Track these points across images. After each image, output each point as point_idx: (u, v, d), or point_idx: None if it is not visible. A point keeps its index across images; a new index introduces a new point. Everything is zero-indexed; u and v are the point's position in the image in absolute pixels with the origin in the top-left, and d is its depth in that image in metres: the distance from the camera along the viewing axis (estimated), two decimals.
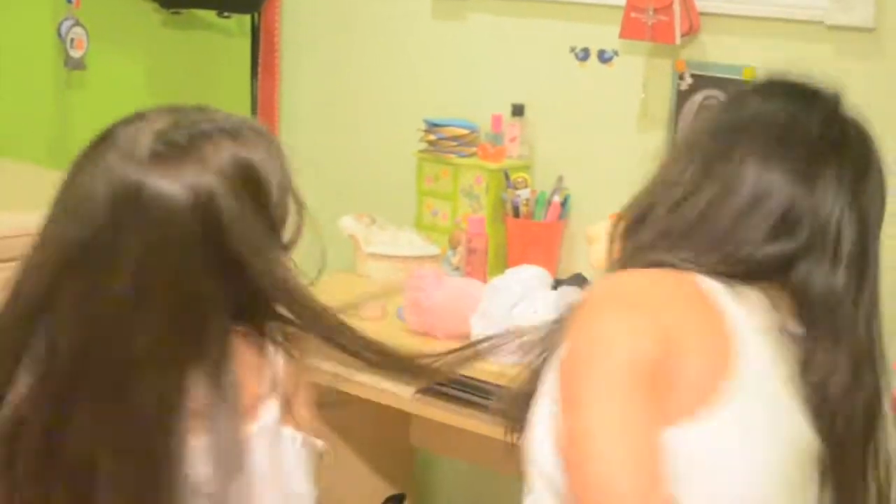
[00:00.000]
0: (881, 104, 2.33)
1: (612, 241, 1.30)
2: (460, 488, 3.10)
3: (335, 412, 2.85)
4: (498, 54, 2.95)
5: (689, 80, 2.60)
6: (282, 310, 1.19)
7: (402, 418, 2.97)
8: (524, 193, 2.77)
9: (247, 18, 3.33)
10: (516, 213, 2.77)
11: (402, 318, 2.44)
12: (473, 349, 1.37)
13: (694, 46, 2.59)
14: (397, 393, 2.43)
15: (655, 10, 2.52)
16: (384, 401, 2.48)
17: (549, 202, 2.76)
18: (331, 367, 2.49)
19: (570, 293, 2.23)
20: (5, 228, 2.08)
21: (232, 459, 1.12)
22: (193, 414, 1.12)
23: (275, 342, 1.22)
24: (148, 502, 1.10)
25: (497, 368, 2.23)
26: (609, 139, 2.76)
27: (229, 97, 3.42)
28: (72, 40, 2.95)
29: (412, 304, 2.40)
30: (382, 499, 3.01)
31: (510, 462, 1.38)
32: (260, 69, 3.35)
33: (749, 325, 1.20)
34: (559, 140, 2.84)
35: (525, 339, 1.35)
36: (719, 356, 1.16)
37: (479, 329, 2.30)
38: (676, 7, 2.50)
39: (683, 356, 1.14)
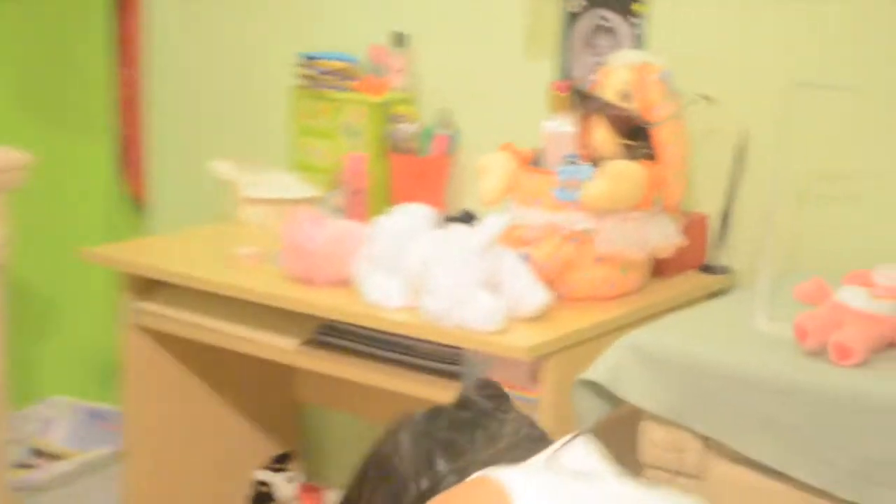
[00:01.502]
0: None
1: None
2: (350, 444, 3.09)
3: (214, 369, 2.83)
4: None
5: (581, 1, 2.58)
6: None
7: (286, 372, 2.95)
8: (408, 128, 2.75)
9: None
10: (400, 150, 2.75)
11: (282, 264, 2.41)
12: None
13: None
14: (279, 346, 2.42)
15: None
16: (265, 354, 2.46)
17: (435, 136, 2.75)
18: (208, 322, 2.49)
19: (458, 230, 2.22)
20: None
21: None
22: None
23: None
24: None
25: (384, 315, 2.23)
26: (496, 68, 2.75)
27: (85, 36, 3.34)
28: None
29: (291, 250, 2.38)
30: (269, 457, 2.99)
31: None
32: (119, 6, 3.28)
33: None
34: (445, 71, 2.82)
35: None
36: None
37: (362, 272, 2.28)
38: None
39: None
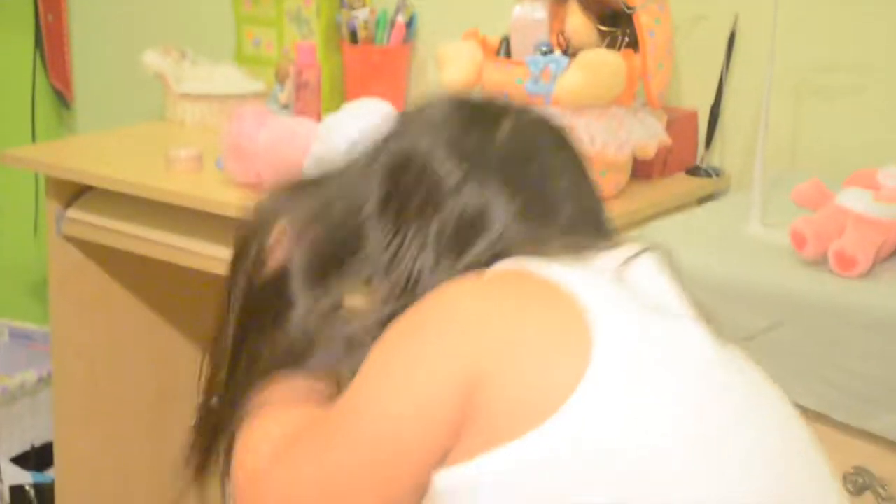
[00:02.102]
0: None
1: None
2: None
3: None
4: None
5: None
6: None
7: None
8: (362, 14, 2.71)
9: None
10: (354, 39, 2.72)
11: (222, 167, 2.38)
12: None
13: None
14: (220, 256, 2.36)
15: None
16: (205, 266, 2.41)
17: (392, 23, 2.71)
18: (142, 232, 2.45)
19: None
20: None
21: None
22: None
23: None
24: None
25: None
26: None
27: None
28: None
29: (233, 151, 2.34)
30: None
31: None
32: None
33: (598, 291, 1.14)
34: None
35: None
36: (567, 357, 1.09)
37: (312, 175, 2.24)
38: None
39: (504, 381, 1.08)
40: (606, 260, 1.18)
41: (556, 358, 1.08)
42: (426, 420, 1.08)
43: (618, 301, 1.12)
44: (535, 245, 1.17)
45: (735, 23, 2.35)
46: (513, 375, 1.07)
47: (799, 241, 1.84)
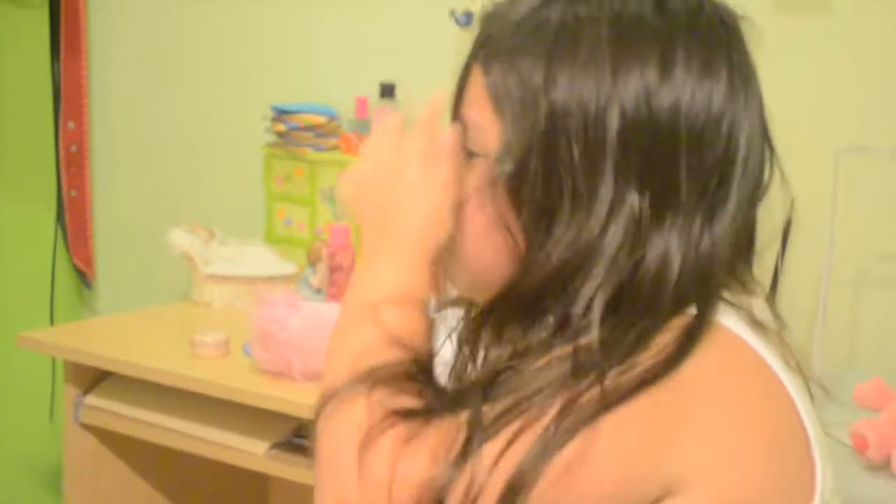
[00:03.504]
0: (829, 64, 2.36)
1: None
2: None
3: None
4: (359, 22, 2.94)
5: None
6: None
7: (258, 480, 2.93)
8: None
9: None
10: None
11: (250, 353, 2.40)
12: None
13: None
14: (247, 449, 2.40)
15: None
16: (230, 459, 2.44)
17: None
18: (163, 421, 2.47)
19: (454, 318, 2.20)
20: None
21: None
22: None
23: None
24: None
25: None
26: None
27: (24, 82, 3.35)
28: None
29: (262, 337, 2.37)
30: None
31: None
32: (62, 49, 3.30)
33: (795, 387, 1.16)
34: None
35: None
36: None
37: None
38: None
39: None
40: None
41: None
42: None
43: (820, 438, 1.15)
44: (736, 277, 1.18)
45: (791, 209, 2.36)
46: None
47: (861, 444, 1.85)
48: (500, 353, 1.13)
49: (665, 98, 1.09)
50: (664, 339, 1.08)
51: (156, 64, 3.26)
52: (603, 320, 1.08)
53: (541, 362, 1.08)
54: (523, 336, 1.13)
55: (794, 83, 2.38)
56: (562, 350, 1.08)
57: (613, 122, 1.08)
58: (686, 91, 1.10)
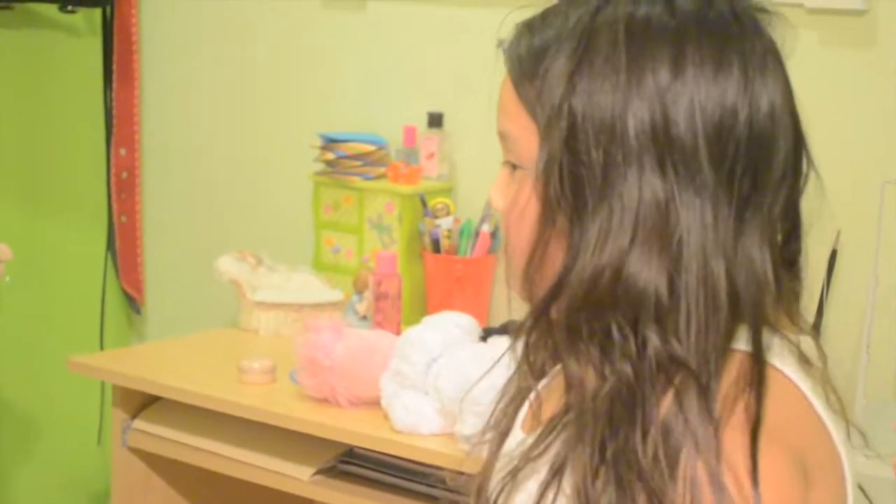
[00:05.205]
0: (874, 96, 2.37)
1: None
2: None
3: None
4: (408, 51, 2.96)
5: None
6: None
7: None
8: (446, 223, 2.77)
9: (97, 13, 3.30)
10: (436, 248, 2.77)
11: (297, 380, 2.41)
12: None
13: None
14: (292, 475, 2.41)
15: None
16: (276, 485, 2.45)
17: (477, 233, 2.76)
18: (210, 446, 2.49)
19: (501, 345, 2.22)
20: None
21: None
22: None
23: None
24: None
25: (415, 442, 2.22)
26: None
27: (77, 109, 3.38)
28: None
29: (308, 364, 2.38)
30: None
31: None
32: (115, 75, 3.33)
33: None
34: (486, 156, 2.82)
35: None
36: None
37: (390, 392, 2.28)
38: None
39: None
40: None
41: None
42: None
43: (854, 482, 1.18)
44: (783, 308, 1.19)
45: (836, 240, 2.37)
46: None
47: None
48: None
49: (679, 97, 1.12)
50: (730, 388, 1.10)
51: (206, 91, 3.29)
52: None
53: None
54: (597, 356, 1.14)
55: (839, 115, 2.38)
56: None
57: (631, 125, 1.11)
58: (700, 89, 1.12)
